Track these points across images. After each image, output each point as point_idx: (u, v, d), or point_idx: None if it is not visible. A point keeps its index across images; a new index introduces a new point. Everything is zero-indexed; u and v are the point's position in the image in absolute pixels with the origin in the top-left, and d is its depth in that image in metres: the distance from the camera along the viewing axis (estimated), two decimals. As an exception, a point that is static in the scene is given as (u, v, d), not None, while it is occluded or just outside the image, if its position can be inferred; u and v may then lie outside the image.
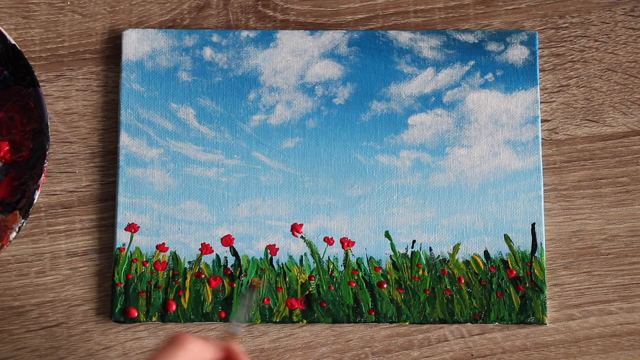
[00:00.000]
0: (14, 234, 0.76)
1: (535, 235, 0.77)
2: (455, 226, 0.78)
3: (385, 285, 0.77)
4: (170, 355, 0.62)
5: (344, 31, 0.81)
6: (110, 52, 0.81)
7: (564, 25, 0.82)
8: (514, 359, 0.76)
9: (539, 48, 0.81)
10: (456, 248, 0.77)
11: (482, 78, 0.80)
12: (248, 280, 0.76)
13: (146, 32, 0.81)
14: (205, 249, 0.78)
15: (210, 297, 0.77)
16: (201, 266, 0.77)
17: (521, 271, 0.77)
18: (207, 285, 0.77)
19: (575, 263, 0.78)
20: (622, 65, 0.81)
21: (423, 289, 0.77)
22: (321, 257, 0.77)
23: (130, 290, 0.77)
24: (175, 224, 0.78)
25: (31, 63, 0.80)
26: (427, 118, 0.80)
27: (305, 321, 0.76)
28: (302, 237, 0.78)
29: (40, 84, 0.79)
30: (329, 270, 0.77)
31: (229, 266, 0.77)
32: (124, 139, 0.79)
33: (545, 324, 0.76)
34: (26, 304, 0.77)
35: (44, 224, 0.78)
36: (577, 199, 0.79)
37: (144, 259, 0.77)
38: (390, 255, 0.77)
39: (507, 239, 0.78)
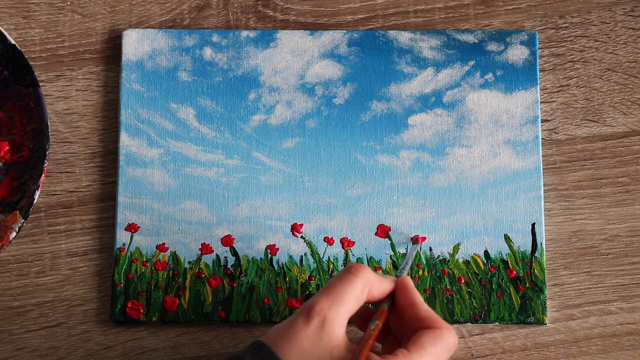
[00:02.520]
0: (14, 234, 0.76)
1: (535, 235, 0.77)
2: (455, 226, 0.78)
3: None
4: (345, 281, 0.65)
5: (344, 31, 0.81)
6: (110, 52, 0.81)
7: (564, 25, 0.82)
8: (514, 359, 0.76)
9: (539, 48, 0.81)
10: (456, 248, 0.77)
11: (482, 78, 0.80)
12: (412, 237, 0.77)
13: (146, 32, 0.81)
14: (205, 249, 0.78)
15: (210, 297, 0.77)
16: (201, 266, 0.77)
17: (521, 271, 0.77)
18: (207, 285, 0.77)
19: (575, 263, 0.78)
20: (622, 65, 0.81)
21: (423, 289, 0.77)
22: (321, 257, 0.77)
23: (130, 290, 0.77)
24: (176, 224, 0.78)
25: (31, 63, 0.80)
26: (427, 118, 0.80)
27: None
28: (302, 237, 0.78)
29: (40, 84, 0.79)
30: (329, 270, 0.77)
31: (229, 266, 0.77)
32: (124, 139, 0.79)
33: (545, 324, 0.76)
34: (26, 304, 0.77)
35: (44, 224, 0.78)
36: (577, 199, 0.79)
37: (144, 259, 0.77)
38: (390, 255, 0.77)
39: (507, 239, 0.78)
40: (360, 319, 0.69)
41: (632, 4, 0.82)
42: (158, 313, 0.76)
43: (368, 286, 0.66)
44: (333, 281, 0.65)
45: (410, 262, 0.72)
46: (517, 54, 0.80)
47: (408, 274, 0.74)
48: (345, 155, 0.79)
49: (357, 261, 0.77)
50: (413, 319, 0.66)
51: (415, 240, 0.76)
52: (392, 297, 0.68)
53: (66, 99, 0.80)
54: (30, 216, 0.78)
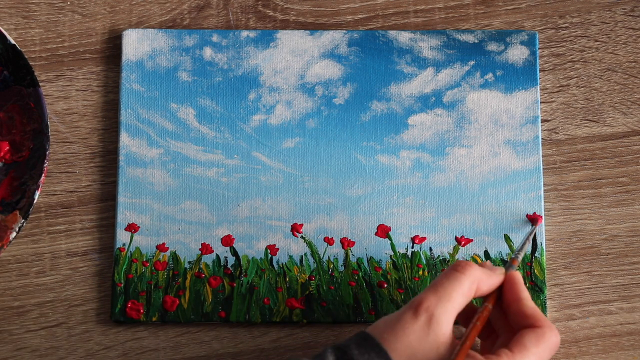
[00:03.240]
0: (14, 234, 0.76)
1: (535, 235, 0.77)
2: (455, 226, 0.78)
3: (385, 285, 0.77)
4: (453, 279, 0.65)
5: (344, 31, 0.81)
6: (110, 52, 0.81)
7: (564, 25, 0.82)
8: (514, 359, 0.76)
9: (539, 48, 0.81)
10: (456, 248, 0.77)
11: (482, 78, 0.80)
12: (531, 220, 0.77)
13: (146, 32, 0.81)
14: (205, 249, 0.78)
15: (210, 297, 0.77)
16: (201, 266, 0.77)
17: (521, 271, 0.77)
18: (207, 285, 0.77)
19: (575, 263, 0.78)
20: (622, 65, 0.81)
21: (423, 289, 0.77)
22: (321, 257, 0.77)
23: (130, 290, 0.77)
24: (175, 224, 0.78)
25: (31, 63, 0.80)
26: (427, 118, 0.80)
27: (305, 321, 0.76)
28: (302, 237, 0.78)
29: (40, 84, 0.79)
30: (329, 270, 0.77)
31: (229, 266, 0.77)
32: (124, 139, 0.79)
33: (546, 324, 0.76)
34: (26, 304, 0.77)
35: (44, 224, 0.78)
36: (577, 199, 0.79)
37: (144, 259, 0.77)
38: (391, 255, 0.77)
39: (507, 239, 0.77)
40: (466, 316, 0.70)
41: (632, 4, 0.82)
42: (158, 313, 0.76)
43: (476, 283, 0.66)
44: (440, 279, 0.66)
45: (525, 248, 0.72)
46: (517, 54, 0.80)
47: (519, 266, 0.75)
48: (345, 155, 0.79)
49: (357, 261, 0.77)
50: (517, 315, 0.67)
51: (534, 219, 0.76)
52: (498, 291, 0.69)
53: (66, 99, 0.80)
54: (30, 216, 0.78)
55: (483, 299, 0.69)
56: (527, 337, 0.65)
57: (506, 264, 0.71)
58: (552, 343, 0.66)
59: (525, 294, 0.68)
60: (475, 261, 0.77)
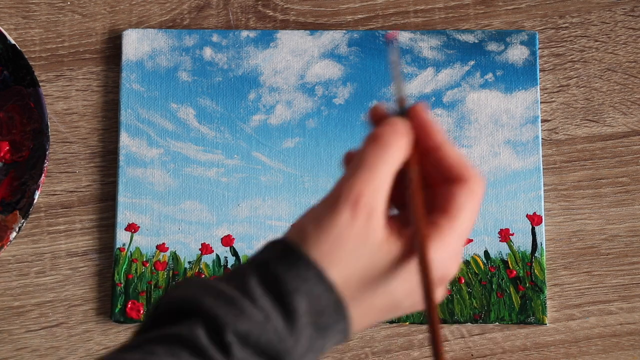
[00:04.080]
0: (14, 234, 0.76)
1: (535, 235, 0.77)
2: (455, 226, 0.78)
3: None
4: (383, 157, 0.51)
5: (344, 31, 0.81)
6: (110, 52, 0.81)
7: (564, 25, 0.82)
8: (514, 359, 0.76)
9: (539, 48, 0.81)
10: (456, 248, 0.77)
11: (482, 78, 0.80)
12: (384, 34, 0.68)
13: (146, 32, 0.81)
14: (206, 249, 0.77)
15: (210, 297, 0.77)
16: (201, 266, 0.77)
17: (521, 271, 0.77)
18: (207, 285, 0.77)
19: (576, 263, 0.78)
20: (622, 65, 0.81)
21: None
22: (321, 257, 0.77)
23: (130, 290, 0.77)
24: (176, 224, 0.78)
25: (31, 63, 0.80)
26: (427, 118, 0.79)
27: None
28: (302, 237, 0.78)
29: (40, 84, 0.79)
30: (329, 270, 0.77)
31: (229, 266, 0.77)
32: (124, 139, 0.79)
33: (546, 324, 0.76)
34: (26, 304, 0.77)
35: (44, 224, 0.78)
36: (577, 199, 0.79)
37: (144, 259, 0.77)
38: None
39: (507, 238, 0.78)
40: None
41: (632, 4, 0.82)
42: (158, 313, 0.76)
43: (402, 154, 0.51)
44: (368, 157, 0.51)
45: (397, 64, 0.55)
46: (517, 54, 0.80)
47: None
48: (345, 155, 0.79)
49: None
50: (439, 166, 0.53)
51: (388, 38, 0.62)
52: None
53: (66, 99, 0.80)
54: (30, 216, 0.78)
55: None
56: (459, 194, 0.52)
57: (397, 110, 0.54)
58: (482, 192, 0.53)
59: (442, 138, 0.52)
60: (475, 261, 0.77)
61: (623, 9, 0.82)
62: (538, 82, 0.80)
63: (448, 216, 0.51)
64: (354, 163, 0.52)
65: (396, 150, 0.51)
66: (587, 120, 0.80)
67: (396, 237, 0.51)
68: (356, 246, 0.50)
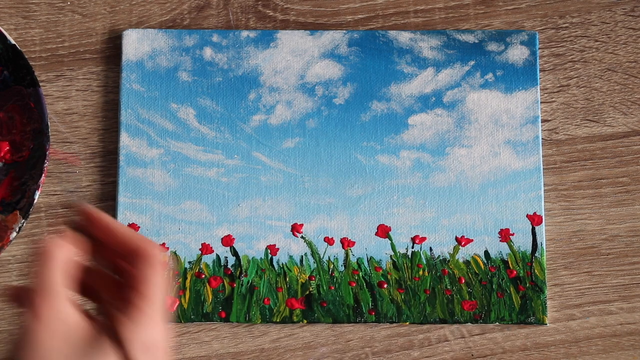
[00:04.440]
0: (14, 234, 0.76)
1: (535, 235, 0.77)
2: (455, 226, 0.78)
3: (385, 285, 0.77)
4: (44, 269, 0.54)
5: (344, 31, 0.81)
6: (110, 52, 0.81)
7: (564, 25, 0.82)
8: (514, 359, 0.76)
9: (539, 48, 0.81)
10: (456, 248, 0.77)
11: (482, 78, 0.80)
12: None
13: (146, 32, 0.81)
14: (206, 249, 0.77)
15: (211, 297, 0.77)
16: (201, 266, 0.77)
17: (521, 271, 0.77)
18: (207, 285, 0.77)
19: (576, 263, 0.78)
20: (622, 65, 0.81)
21: (423, 289, 0.77)
22: (321, 257, 0.77)
23: (131, 290, 0.77)
24: (176, 224, 0.78)
25: (31, 63, 0.80)
26: (427, 118, 0.80)
27: (305, 321, 0.76)
28: (302, 237, 0.78)
29: (40, 84, 0.79)
30: (329, 270, 0.77)
31: (229, 266, 0.77)
32: (124, 139, 0.79)
33: (546, 324, 0.76)
34: (26, 304, 0.77)
35: (44, 224, 0.78)
36: (577, 199, 0.79)
37: (144, 259, 0.77)
38: (391, 255, 0.77)
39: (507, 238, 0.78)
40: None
41: (632, 4, 0.82)
42: (158, 313, 0.76)
43: (66, 262, 0.54)
44: (35, 276, 0.54)
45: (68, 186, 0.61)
46: (517, 54, 0.80)
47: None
48: (345, 155, 0.79)
49: (357, 261, 0.77)
50: (117, 247, 0.55)
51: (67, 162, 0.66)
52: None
53: (66, 99, 0.80)
54: (30, 216, 0.78)
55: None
56: (143, 268, 0.54)
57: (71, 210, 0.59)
58: (160, 263, 0.55)
59: (107, 219, 0.55)
60: (476, 261, 0.77)
61: (623, 9, 0.82)
62: (538, 82, 0.80)
63: (139, 293, 0.55)
64: (27, 283, 0.55)
65: (57, 262, 0.54)
66: (587, 120, 0.80)
67: (91, 320, 0.54)
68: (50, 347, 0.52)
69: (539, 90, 0.80)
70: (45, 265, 0.54)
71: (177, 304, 0.77)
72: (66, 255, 0.54)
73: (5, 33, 0.79)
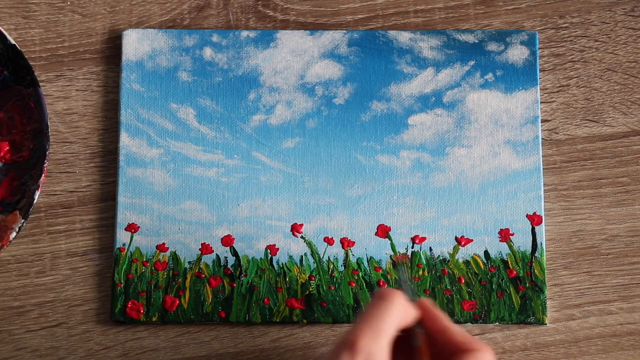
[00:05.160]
0: (14, 234, 0.76)
1: (535, 235, 0.77)
2: (455, 226, 0.78)
3: (385, 286, 0.77)
4: (383, 309, 0.61)
5: (344, 31, 0.81)
6: (110, 52, 0.81)
7: (564, 25, 0.82)
8: (514, 359, 0.76)
9: (539, 48, 0.81)
10: (456, 248, 0.77)
11: (482, 78, 0.80)
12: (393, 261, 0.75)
13: (146, 32, 0.81)
14: (205, 249, 0.78)
15: (211, 297, 0.77)
16: (201, 266, 0.77)
17: (521, 271, 0.77)
18: (207, 285, 0.77)
19: (576, 263, 0.78)
20: (622, 65, 0.81)
21: (423, 289, 0.77)
22: (321, 257, 0.77)
23: (130, 290, 0.77)
24: (175, 224, 0.78)
25: (31, 63, 0.80)
26: (427, 118, 0.80)
27: (305, 321, 0.76)
28: (302, 237, 0.78)
29: (40, 84, 0.79)
30: (329, 270, 0.77)
31: (229, 266, 0.77)
32: (124, 139, 0.79)
33: (546, 324, 0.76)
34: (26, 304, 0.77)
35: (44, 224, 0.78)
36: (577, 199, 0.79)
37: (144, 259, 0.77)
38: (391, 255, 0.77)
39: (507, 239, 0.78)
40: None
41: (632, 4, 0.82)
42: (158, 313, 0.76)
43: (404, 312, 0.62)
44: (370, 311, 0.61)
45: (408, 285, 0.69)
46: (517, 54, 0.80)
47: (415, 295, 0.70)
48: (345, 155, 0.79)
49: (357, 261, 0.77)
50: (447, 344, 0.63)
51: (397, 261, 0.74)
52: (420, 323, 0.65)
53: (66, 99, 0.80)
54: (30, 216, 0.78)
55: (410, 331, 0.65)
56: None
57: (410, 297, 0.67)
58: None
59: (447, 322, 0.64)
60: (475, 261, 0.77)
61: (623, 9, 0.82)
62: (538, 82, 0.80)
63: None
64: (360, 315, 0.61)
65: (397, 305, 0.61)
66: (587, 120, 0.80)
67: None
68: None
69: (539, 90, 0.80)
70: (386, 308, 0.61)
71: (176, 304, 0.77)
72: (404, 310, 0.62)
73: (5, 33, 0.79)
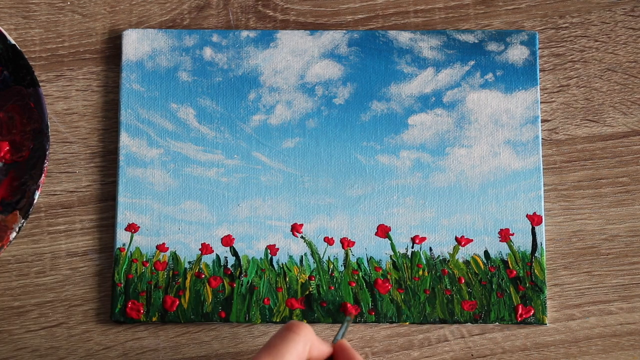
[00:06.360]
0: (14, 234, 0.76)
1: (535, 235, 0.77)
2: (455, 226, 0.78)
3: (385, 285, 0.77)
4: (287, 340, 0.64)
5: (344, 31, 0.81)
6: (110, 52, 0.81)
7: (564, 25, 0.82)
8: (514, 359, 0.76)
9: (539, 48, 0.81)
10: (456, 248, 0.77)
11: (482, 78, 0.80)
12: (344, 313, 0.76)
13: (146, 32, 0.81)
14: (205, 249, 0.78)
15: (210, 297, 0.77)
16: (201, 266, 0.77)
17: (521, 271, 0.77)
18: (207, 285, 0.77)
19: (576, 263, 0.78)
20: (622, 65, 0.81)
21: (423, 289, 0.77)
22: (321, 257, 0.77)
23: (130, 290, 0.77)
24: (175, 224, 0.78)
25: (31, 63, 0.80)
26: (427, 118, 0.80)
27: (305, 321, 0.76)
28: (302, 237, 0.78)
29: (40, 84, 0.79)
30: (329, 270, 0.77)
31: (229, 266, 0.77)
32: (124, 139, 0.79)
33: (546, 324, 0.76)
34: (26, 304, 0.77)
35: (44, 224, 0.78)
36: (577, 199, 0.79)
37: (144, 259, 0.77)
38: (391, 255, 0.77)
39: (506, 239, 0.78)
40: None
41: (632, 4, 0.82)
42: (158, 313, 0.76)
43: (309, 345, 0.65)
44: (274, 340, 0.64)
45: (343, 332, 0.71)
46: (517, 54, 0.80)
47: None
48: (345, 155, 0.79)
49: (357, 261, 0.77)
50: None
51: (349, 312, 0.75)
52: None
53: (66, 99, 0.81)
54: (30, 216, 0.78)
55: None
56: None
57: (333, 339, 0.70)
58: None
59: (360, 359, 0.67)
60: (475, 261, 0.77)
61: (623, 9, 0.82)
62: (538, 82, 0.80)
63: None
64: (265, 344, 0.64)
65: (301, 339, 0.64)
66: (587, 120, 0.80)
67: None
68: None
69: (539, 90, 0.80)
70: (290, 339, 0.64)
71: (176, 304, 0.77)
72: (310, 344, 0.65)
73: (5, 33, 0.79)
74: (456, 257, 0.77)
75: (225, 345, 0.77)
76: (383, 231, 0.78)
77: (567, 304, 0.77)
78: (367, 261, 0.77)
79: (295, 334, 0.64)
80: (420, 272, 0.77)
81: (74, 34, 0.82)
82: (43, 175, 0.77)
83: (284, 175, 0.79)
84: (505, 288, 0.77)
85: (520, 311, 0.76)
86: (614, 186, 0.79)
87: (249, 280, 0.77)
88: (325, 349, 0.67)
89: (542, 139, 0.80)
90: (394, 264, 0.77)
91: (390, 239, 0.78)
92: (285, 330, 0.64)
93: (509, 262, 0.77)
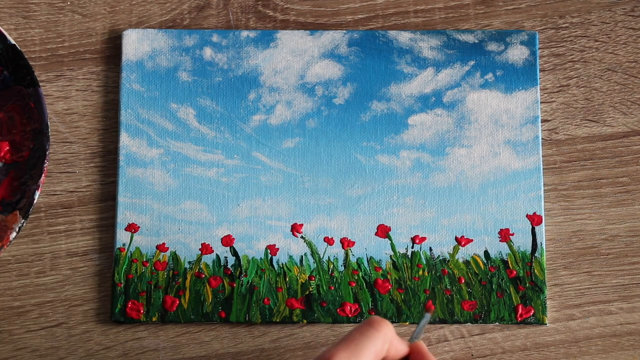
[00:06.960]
0: (14, 234, 0.76)
1: (535, 235, 0.77)
2: (455, 226, 0.78)
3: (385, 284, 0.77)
4: (367, 335, 0.62)
5: (344, 31, 0.81)
6: (110, 52, 0.81)
7: (564, 25, 0.82)
8: (514, 359, 0.76)
9: (539, 48, 0.81)
10: (456, 248, 0.77)
11: (482, 78, 0.80)
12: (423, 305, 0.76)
13: (146, 32, 0.81)
14: (205, 249, 0.78)
15: (211, 297, 0.77)
16: (201, 266, 0.77)
17: (521, 271, 0.77)
18: (207, 285, 0.77)
19: (576, 263, 0.78)
20: (622, 65, 0.81)
21: (423, 289, 0.77)
22: (321, 257, 0.77)
23: (130, 290, 0.77)
24: (175, 224, 0.78)
25: (31, 63, 0.80)
26: (427, 118, 0.80)
27: (305, 321, 0.76)
28: (302, 237, 0.78)
29: (40, 84, 0.79)
30: (329, 270, 0.77)
31: (229, 266, 0.77)
32: (124, 139, 0.79)
33: (546, 324, 0.76)
34: (26, 304, 0.77)
35: (44, 224, 0.78)
36: (577, 199, 0.79)
37: (144, 259, 0.77)
38: (391, 255, 0.77)
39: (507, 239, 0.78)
40: None
41: (632, 4, 0.82)
42: (158, 313, 0.76)
43: (388, 343, 0.63)
44: (353, 333, 0.63)
45: (422, 331, 0.69)
46: (517, 54, 0.80)
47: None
48: (345, 155, 0.79)
49: (357, 261, 0.77)
50: None
51: (428, 308, 0.73)
52: None
53: (66, 99, 0.81)
54: (30, 216, 0.78)
55: None
56: None
57: (410, 337, 0.69)
58: None
59: None
60: (476, 261, 0.77)
61: (623, 9, 0.82)
62: (538, 82, 0.80)
63: None
64: (343, 336, 0.63)
65: (382, 336, 0.62)
66: (587, 120, 0.80)
67: None
68: None
69: (538, 90, 0.80)
70: (370, 335, 0.62)
71: (176, 304, 0.77)
72: (389, 342, 0.63)
73: (5, 33, 0.79)
74: (456, 257, 0.77)
75: (225, 345, 0.77)
76: (383, 231, 0.78)
77: (567, 304, 0.77)
78: (367, 261, 0.77)
79: (376, 330, 0.63)
80: (420, 272, 0.77)
81: (74, 34, 0.82)
82: (43, 175, 0.77)
83: (284, 175, 0.79)
84: (505, 288, 0.77)
85: (520, 311, 0.76)
86: (614, 186, 0.79)
87: (249, 280, 0.77)
88: (403, 348, 0.65)
89: (542, 139, 0.80)
90: (394, 264, 0.77)
91: (390, 239, 0.78)
92: (366, 325, 0.63)
93: (509, 262, 0.77)
